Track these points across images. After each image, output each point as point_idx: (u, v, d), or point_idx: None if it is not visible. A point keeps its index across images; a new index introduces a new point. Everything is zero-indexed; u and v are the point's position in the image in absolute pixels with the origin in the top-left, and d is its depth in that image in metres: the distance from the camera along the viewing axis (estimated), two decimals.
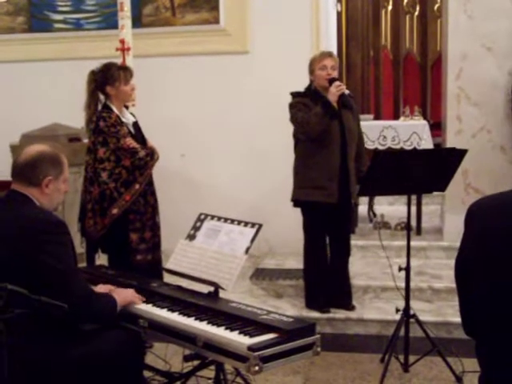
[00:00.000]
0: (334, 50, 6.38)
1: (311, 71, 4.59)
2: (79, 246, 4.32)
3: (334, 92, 4.35)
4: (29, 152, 2.79)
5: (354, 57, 8.47)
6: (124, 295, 2.92)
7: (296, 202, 4.67)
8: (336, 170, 4.49)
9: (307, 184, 4.55)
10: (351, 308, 4.77)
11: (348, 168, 4.52)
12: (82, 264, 4.23)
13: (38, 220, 2.67)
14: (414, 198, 5.47)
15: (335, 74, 4.50)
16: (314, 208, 4.58)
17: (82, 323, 2.78)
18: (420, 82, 9.47)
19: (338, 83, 4.39)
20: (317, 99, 4.45)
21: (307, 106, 4.46)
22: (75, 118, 4.81)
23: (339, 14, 7.63)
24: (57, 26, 6.35)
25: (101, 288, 3.04)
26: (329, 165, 4.48)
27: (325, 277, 4.71)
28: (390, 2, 9.36)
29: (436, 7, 9.27)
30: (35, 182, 2.76)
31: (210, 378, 3.25)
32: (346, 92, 4.44)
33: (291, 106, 4.54)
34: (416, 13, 9.50)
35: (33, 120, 5.62)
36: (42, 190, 2.77)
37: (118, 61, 4.88)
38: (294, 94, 4.63)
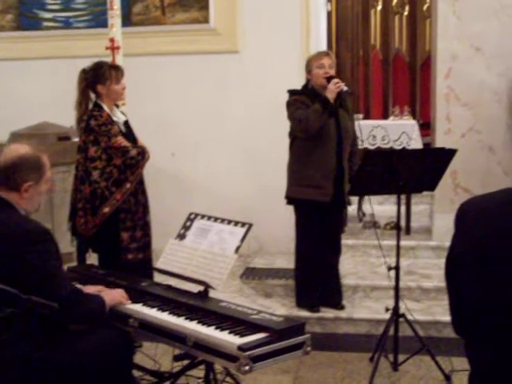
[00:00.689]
0: (324, 50, 6.38)
1: (308, 70, 4.59)
2: (69, 245, 4.31)
3: (333, 89, 4.36)
4: (8, 155, 2.73)
5: (344, 56, 8.48)
6: (112, 295, 2.91)
7: (290, 199, 4.67)
8: (332, 168, 4.50)
9: (302, 182, 4.55)
10: (341, 307, 4.78)
11: (343, 167, 4.54)
12: (73, 263, 4.22)
13: (16, 231, 2.63)
14: (403, 197, 5.49)
15: (332, 72, 4.52)
16: (308, 206, 4.59)
17: (71, 323, 2.77)
18: (409, 81, 9.49)
19: (336, 80, 4.40)
20: (314, 97, 4.46)
21: (305, 103, 4.47)
22: (65, 117, 4.80)
23: (329, 14, 7.64)
24: (46, 24, 6.32)
25: (89, 289, 3.03)
26: (325, 163, 4.49)
27: (316, 275, 4.72)
28: (380, 2, 9.37)
29: (425, 7, 9.29)
30: (14, 188, 2.72)
31: (199, 378, 3.25)
32: (345, 89, 4.45)
33: (289, 104, 4.54)
34: (405, 13, 9.51)
35: (22, 118, 5.60)
36: (21, 195, 2.72)
37: (108, 59, 4.87)
38: (291, 92, 4.63)
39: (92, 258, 4.31)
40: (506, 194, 1.95)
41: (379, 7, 9.37)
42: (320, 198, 4.50)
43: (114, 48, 5.13)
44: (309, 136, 4.45)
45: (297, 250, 4.77)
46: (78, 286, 3.04)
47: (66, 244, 4.29)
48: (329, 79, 4.43)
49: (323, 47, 6.52)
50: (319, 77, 4.50)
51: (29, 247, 2.60)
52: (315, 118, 4.35)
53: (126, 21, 5.85)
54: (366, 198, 6.11)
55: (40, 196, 2.81)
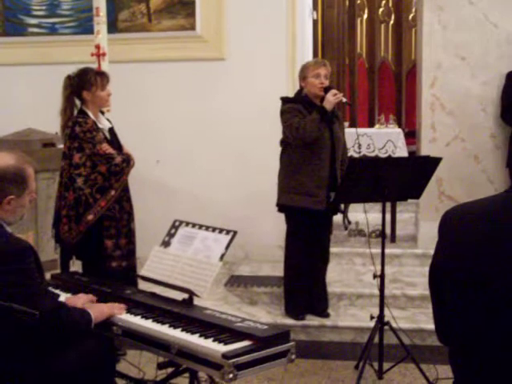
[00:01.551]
0: (310, 58, 6.41)
1: (303, 77, 4.58)
2: (53, 252, 4.28)
3: (331, 100, 4.37)
4: None
5: (330, 65, 8.47)
6: (99, 309, 2.87)
7: (281, 206, 4.67)
8: (325, 177, 4.50)
9: (295, 190, 4.54)
10: (326, 315, 4.78)
11: (336, 176, 4.54)
12: (56, 270, 4.19)
13: None
14: (388, 205, 5.51)
15: (327, 83, 4.52)
16: (299, 214, 4.58)
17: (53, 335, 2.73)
18: (395, 90, 9.54)
19: (334, 91, 4.40)
20: (309, 106, 4.46)
21: (301, 112, 4.47)
22: (50, 123, 4.77)
23: (315, 22, 7.66)
24: (31, 30, 6.29)
25: (81, 298, 3.00)
26: (319, 172, 4.49)
27: (305, 284, 4.72)
28: (366, 11, 9.42)
29: (411, 17, 9.35)
30: None
31: None
32: (344, 100, 4.46)
33: (284, 112, 4.53)
34: (391, 22, 9.57)
35: (6, 125, 5.56)
36: (3, 207, 2.66)
37: (94, 66, 4.85)
38: (285, 100, 4.63)
39: (76, 266, 4.28)
40: (490, 202, 1.96)
41: (365, 16, 9.43)
42: (313, 206, 4.49)
43: (99, 55, 5.11)
44: (303, 144, 4.45)
45: (286, 258, 4.76)
46: (68, 296, 3.01)
47: (50, 251, 4.27)
48: (326, 90, 4.43)
49: (309, 55, 6.54)
50: (314, 86, 4.50)
51: (5, 267, 2.54)
52: (313, 128, 4.35)
53: (112, 27, 5.83)
54: (355, 205, 6.18)
55: (23, 208, 2.75)
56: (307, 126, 4.35)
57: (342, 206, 4.93)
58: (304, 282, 4.71)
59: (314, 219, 4.58)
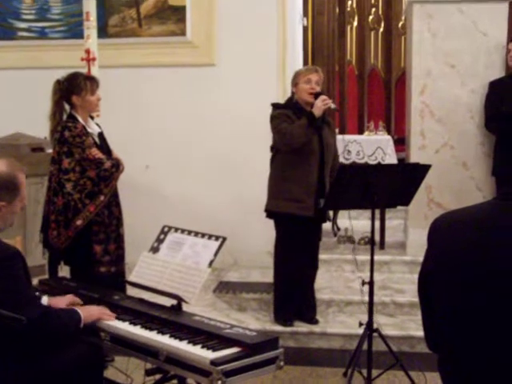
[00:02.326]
0: (300, 65, 6.42)
1: (295, 84, 4.59)
2: (41, 257, 4.26)
3: (320, 106, 4.37)
4: None
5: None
6: (90, 311, 2.86)
7: (270, 212, 4.67)
8: (314, 184, 4.50)
9: (283, 196, 4.54)
10: (315, 322, 4.78)
11: (324, 183, 4.54)
12: (44, 276, 4.17)
13: None
14: (377, 212, 5.51)
15: (318, 89, 4.52)
16: (287, 220, 4.58)
17: (42, 342, 2.71)
18: (384, 97, 9.56)
19: (324, 97, 4.40)
20: (299, 112, 4.47)
21: (290, 117, 4.47)
22: (38, 128, 4.75)
23: (305, 29, 7.68)
24: (21, 34, 6.27)
25: (69, 298, 2.98)
26: (307, 178, 4.49)
27: (294, 290, 4.71)
28: (356, 19, 9.45)
29: (400, 24, 9.38)
30: None
31: None
32: (332, 106, 4.46)
33: (273, 117, 4.53)
34: (381, 29, 9.60)
35: None
36: None
37: (83, 71, 4.84)
38: (276, 106, 4.63)
39: (64, 271, 4.26)
40: (478, 210, 1.97)
41: (355, 23, 9.45)
42: (301, 212, 4.49)
43: (89, 59, 5.10)
44: (292, 150, 4.45)
45: (276, 264, 4.75)
46: (52, 299, 2.99)
47: (38, 256, 4.24)
48: (316, 96, 4.44)
49: (299, 61, 6.55)
50: (304, 91, 4.50)
51: None
52: (300, 133, 4.35)
53: (102, 32, 5.81)
54: (344, 212, 6.18)
55: (13, 215, 2.73)
56: (294, 132, 4.36)
57: (331, 213, 4.92)
58: (293, 288, 4.70)
59: (303, 226, 4.58)
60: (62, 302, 2.97)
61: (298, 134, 4.35)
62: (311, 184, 4.50)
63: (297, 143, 4.38)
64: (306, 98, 4.49)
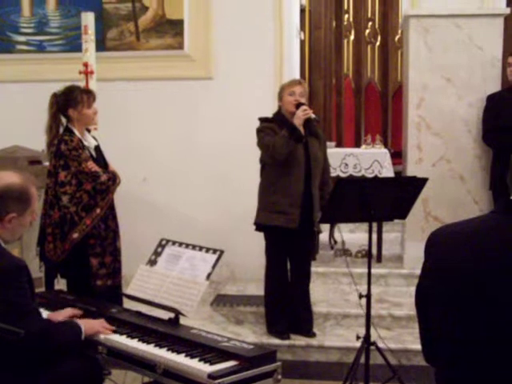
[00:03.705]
0: (297, 78, 6.43)
1: (280, 97, 4.63)
2: (37, 270, 4.24)
3: (300, 116, 4.39)
4: None
5: (317, 85, 8.56)
6: (91, 324, 2.85)
7: (258, 225, 4.68)
8: (299, 195, 4.51)
9: (269, 208, 4.56)
10: (312, 335, 4.77)
11: (311, 195, 4.54)
12: (41, 289, 4.15)
13: None
14: (374, 225, 5.51)
15: (303, 101, 4.54)
16: (275, 232, 4.59)
17: (44, 357, 2.69)
18: (381, 110, 9.60)
19: (304, 107, 4.43)
20: (283, 124, 4.49)
21: (274, 130, 4.50)
22: (36, 141, 4.76)
23: (302, 43, 7.71)
24: (19, 47, 6.29)
25: (68, 312, 2.97)
26: (291, 190, 4.51)
27: (285, 302, 4.71)
28: (352, 32, 9.50)
29: (397, 38, 9.43)
30: None
31: None
32: (313, 116, 4.48)
33: (258, 131, 4.57)
34: (377, 43, 9.65)
35: None
36: (4, 225, 2.64)
37: (81, 84, 4.86)
38: (262, 119, 4.66)
39: (60, 284, 4.25)
40: (475, 223, 1.97)
41: (352, 37, 9.50)
42: (286, 224, 4.51)
43: (87, 72, 5.12)
44: (277, 162, 4.47)
45: (266, 277, 4.77)
46: (52, 314, 2.98)
47: (34, 269, 4.22)
48: (298, 106, 4.46)
49: (296, 75, 6.57)
50: (289, 104, 4.53)
51: (1, 284, 2.51)
52: (281, 145, 4.37)
53: (101, 45, 5.84)
54: (337, 225, 6.19)
55: (23, 227, 2.74)
56: (276, 144, 4.38)
57: (325, 226, 4.91)
58: (283, 301, 4.70)
59: (290, 238, 4.58)
60: (61, 316, 2.96)
61: (279, 146, 4.37)
62: (296, 196, 4.51)
63: (279, 155, 4.40)
64: (291, 110, 4.51)
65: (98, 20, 5.49)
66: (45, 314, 3.03)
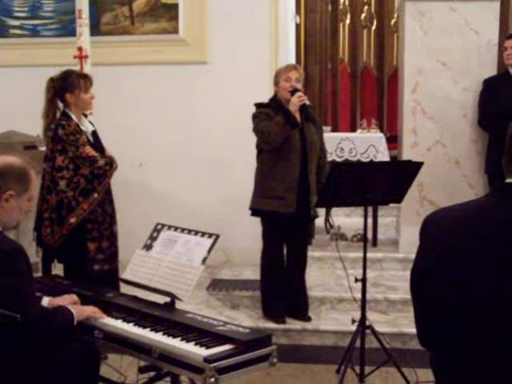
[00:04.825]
0: (292, 62, 6.42)
1: (276, 82, 4.62)
2: (34, 256, 4.25)
3: (295, 102, 4.39)
4: None
5: (312, 69, 8.55)
6: (82, 309, 2.86)
7: (254, 210, 4.69)
8: (295, 180, 4.52)
9: (265, 193, 4.57)
10: (307, 319, 4.79)
11: (308, 180, 4.55)
12: (38, 274, 4.16)
13: None
14: (370, 209, 5.52)
15: (299, 86, 4.54)
16: (271, 217, 4.60)
17: (38, 341, 2.71)
18: (377, 95, 9.59)
19: (299, 94, 4.42)
20: (279, 109, 4.48)
21: (269, 116, 4.49)
22: (31, 126, 4.75)
23: (298, 27, 7.70)
24: (13, 31, 6.26)
25: (66, 299, 2.98)
26: (288, 175, 4.51)
27: (281, 286, 4.73)
28: (348, 16, 9.47)
29: (393, 22, 9.41)
30: None
31: None
32: (307, 103, 4.48)
33: (254, 117, 4.56)
34: (373, 27, 9.63)
35: None
36: (1, 204, 2.65)
37: (76, 68, 4.84)
38: (258, 105, 4.65)
39: (57, 269, 4.26)
40: (470, 206, 1.98)
41: (347, 21, 9.48)
42: (282, 209, 4.52)
43: (82, 57, 5.10)
44: (272, 148, 4.47)
45: (262, 261, 4.78)
46: (53, 299, 2.99)
47: (31, 254, 4.22)
48: (293, 92, 4.46)
49: (292, 59, 6.56)
50: (285, 89, 4.53)
51: None
52: (277, 131, 4.37)
53: (95, 30, 5.82)
54: (337, 209, 6.20)
55: (20, 212, 2.73)
56: (271, 130, 4.39)
57: (322, 211, 4.92)
58: (279, 285, 4.72)
59: (286, 223, 4.60)
60: (62, 302, 2.96)
61: (274, 132, 4.37)
62: (292, 181, 4.51)
63: (274, 141, 4.40)
64: (287, 96, 4.51)
65: (92, 4, 5.46)
66: (45, 299, 3.03)
